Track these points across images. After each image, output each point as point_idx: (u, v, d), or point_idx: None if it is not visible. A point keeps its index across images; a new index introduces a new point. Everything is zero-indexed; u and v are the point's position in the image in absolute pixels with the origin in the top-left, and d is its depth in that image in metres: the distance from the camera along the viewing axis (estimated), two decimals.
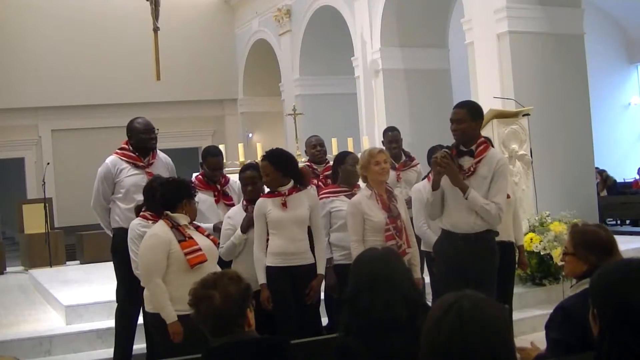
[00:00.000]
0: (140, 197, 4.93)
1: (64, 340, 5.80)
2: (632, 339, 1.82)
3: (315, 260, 4.68)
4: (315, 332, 4.57)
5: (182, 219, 4.17)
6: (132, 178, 5.10)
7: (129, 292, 4.94)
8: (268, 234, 4.62)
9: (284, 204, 4.58)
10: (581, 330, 2.37)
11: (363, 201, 4.54)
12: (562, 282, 6.19)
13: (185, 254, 4.04)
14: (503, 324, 1.69)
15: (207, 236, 4.29)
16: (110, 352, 5.27)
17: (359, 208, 4.51)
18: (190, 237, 4.11)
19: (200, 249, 4.08)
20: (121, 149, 5.23)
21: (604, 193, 13.04)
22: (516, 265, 5.31)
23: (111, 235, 5.28)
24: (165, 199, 4.22)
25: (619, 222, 12.28)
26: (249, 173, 4.90)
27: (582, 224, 3.10)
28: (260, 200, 4.68)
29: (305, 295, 4.60)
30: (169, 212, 4.18)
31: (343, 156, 5.09)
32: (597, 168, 13.27)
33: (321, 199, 4.96)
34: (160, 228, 4.16)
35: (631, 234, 9.67)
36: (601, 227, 3.08)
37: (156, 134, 5.26)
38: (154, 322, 4.14)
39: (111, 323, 5.32)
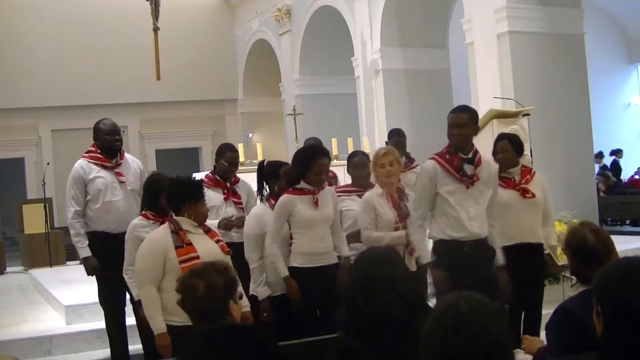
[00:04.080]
0: (111, 198, 4.98)
1: (64, 340, 5.81)
2: (634, 338, 1.81)
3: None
4: None
5: (185, 223, 3.85)
6: (102, 180, 5.06)
7: (110, 292, 4.98)
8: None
9: (316, 203, 4.41)
10: (582, 331, 2.37)
11: (374, 198, 4.53)
12: (562, 282, 6.17)
13: (180, 262, 3.71)
14: (500, 326, 1.69)
15: (217, 242, 3.94)
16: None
17: (370, 204, 4.50)
18: (189, 244, 3.79)
19: (197, 257, 3.71)
20: (88, 152, 5.19)
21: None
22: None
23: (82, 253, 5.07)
24: (168, 200, 3.98)
25: (619, 222, 12.25)
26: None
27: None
28: (286, 197, 4.41)
29: (335, 292, 4.33)
30: (173, 215, 3.92)
31: (348, 159, 5.04)
32: (604, 173, 13.26)
33: None
34: (160, 232, 3.91)
35: (631, 234, 9.65)
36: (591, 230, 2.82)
37: (121, 135, 5.23)
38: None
39: None
